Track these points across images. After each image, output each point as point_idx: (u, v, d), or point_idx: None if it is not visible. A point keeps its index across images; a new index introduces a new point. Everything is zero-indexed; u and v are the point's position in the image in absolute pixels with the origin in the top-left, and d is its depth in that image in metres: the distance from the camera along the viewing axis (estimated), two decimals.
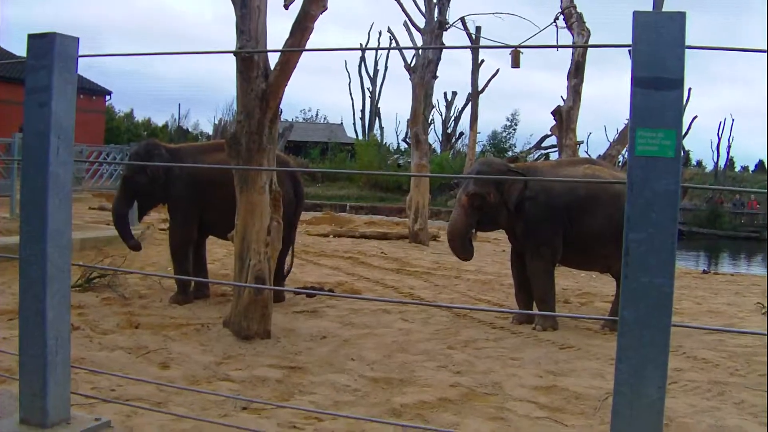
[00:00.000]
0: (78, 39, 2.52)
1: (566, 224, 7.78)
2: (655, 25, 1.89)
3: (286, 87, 6.48)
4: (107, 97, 43.61)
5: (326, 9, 6.27)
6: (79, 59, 2.55)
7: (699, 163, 63.13)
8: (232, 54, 6.41)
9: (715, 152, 53.97)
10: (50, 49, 2.44)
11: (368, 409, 4.85)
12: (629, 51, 1.94)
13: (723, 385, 5.81)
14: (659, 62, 1.89)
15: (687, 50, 1.90)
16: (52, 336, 2.49)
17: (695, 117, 46.11)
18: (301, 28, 6.22)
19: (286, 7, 6.57)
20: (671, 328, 1.95)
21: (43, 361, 2.48)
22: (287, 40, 6.28)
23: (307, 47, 6.49)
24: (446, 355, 6.44)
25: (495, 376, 5.79)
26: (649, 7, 13.46)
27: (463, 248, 8.01)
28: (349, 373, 5.63)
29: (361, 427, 4.40)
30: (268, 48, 6.99)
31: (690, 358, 6.67)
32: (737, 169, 62.59)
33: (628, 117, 1.94)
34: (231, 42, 6.47)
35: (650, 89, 1.89)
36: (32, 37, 2.47)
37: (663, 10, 8.87)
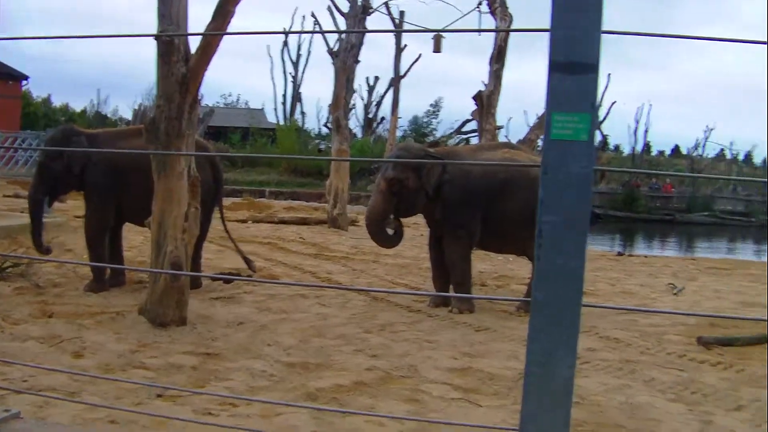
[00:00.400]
0: None
1: (484, 208, 7.89)
2: (572, 10, 1.90)
3: (206, 71, 6.46)
4: (24, 82, 42.17)
5: None
6: None
7: (617, 148, 64.35)
8: (153, 38, 6.35)
9: (633, 137, 54.99)
10: None
11: (284, 393, 4.88)
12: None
13: (634, 363, 6.02)
14: (576, 47, 1.91)
15: (604, 35, 1.91)
16: None
17: (614, 102, 46.97)
18: (223, 12, 6.19)
19: None
20: (582, 308, 1.99)
21: None
22: (209, 23, 6.25)
23: (228, 31, 6.46)
24: (363, 339, 6.50)
25: (411, 359, 5.88)
26: None
27: (381, 233, 8.07)
28: (266, 359, 5.65)
29: (276, 412, 4.43)
30: (189, 32, 6.93)
31: (603, 338, 6.88)
32: (654, 153, 63.95)
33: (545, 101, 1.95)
34: (152, 26, 6.41)
35: (566, 73, 1.91)
36: None
37: None
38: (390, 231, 8.13)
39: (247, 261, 8.47)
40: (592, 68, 1.91)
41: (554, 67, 1.93)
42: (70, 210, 14.47)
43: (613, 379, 5.58)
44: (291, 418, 4.35)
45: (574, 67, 1.91)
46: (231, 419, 4.28)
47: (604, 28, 1.92)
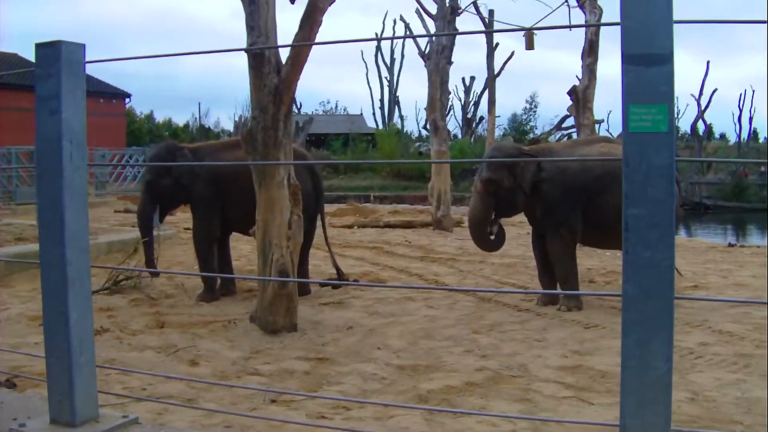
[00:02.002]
0: (84, 45, 2.55)
1: (584, 204, 7.75)
2: (642, 1, 1.89)
3: (300, 80, 6.53)
4: (127, 100, 43.56)
5: (334, 0, 6.30)
6: (93, 65, 2.59)
7: (722, 136, 62.20)
8: (243, 51, 6.47)
9: (738, 124, 53.00)
10: (57, 56, 2.47)
11: (395, 396, 4.89)
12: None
13: (748, 357, 5.78)
14: (648, 38, 1.89)
15: (679, 25, 1.91)
16: (76, 337, 2.53)
17: (715, 90, 45.56)
18: (310, 21, 6.26)
19: (292, 1, 6.61)
20: (682, 301, 1.95)
21: (69, 363, 2.52)
22: (297, 33, 6.31)
23: (317, 39, 6.51)
24: (472, 339, 6.47)
25: (521, 358, 5.81)
26: None
27: (483, 236, 8.02)
28: (376, 362, 5.67)
29: (388, 414, 4.44)
30: (279, 43, 7.03)
31: (715, 331, 6.64)
32: (761, 139, 61.51)
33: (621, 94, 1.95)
34: (244, 38, 6.52)
35: (640, 66, 1.90)
36: (39, 46, 2.51)
37: None
38: (491, 236, 8.07)
39: (338, 270, 8.49)
40: (666, 59, 1.90)
41: (628, 59, 1.92)
42: (179, 223, 14.85)
43: (728, 373, 5.39)
44: (403, 420, 4.35)
45: (647, 58, 1.90)
46: (345, 422, 4.30)
47: (676, 17, 1.90)
